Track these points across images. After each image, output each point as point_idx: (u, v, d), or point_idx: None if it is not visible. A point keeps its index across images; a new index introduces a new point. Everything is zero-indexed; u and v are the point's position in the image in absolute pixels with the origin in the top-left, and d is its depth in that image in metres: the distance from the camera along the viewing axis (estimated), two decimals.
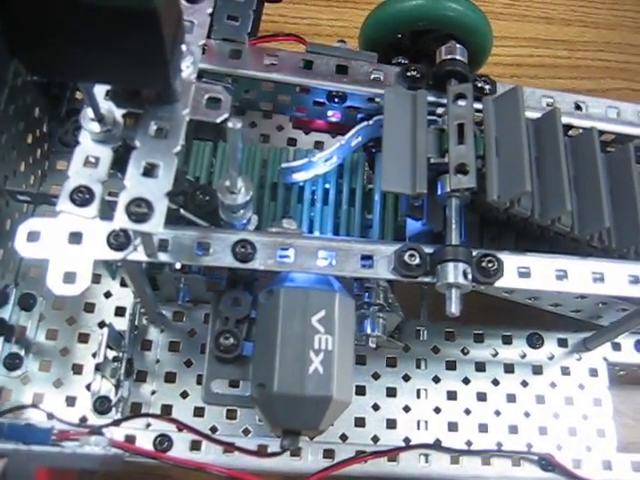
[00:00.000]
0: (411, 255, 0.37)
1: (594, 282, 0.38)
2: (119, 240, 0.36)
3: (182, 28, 0.32)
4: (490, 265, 0.37)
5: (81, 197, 0.36)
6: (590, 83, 0.67)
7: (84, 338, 0.48)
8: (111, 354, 0.46)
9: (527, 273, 0.38)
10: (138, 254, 0.36)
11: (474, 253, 0.37)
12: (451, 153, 0.37)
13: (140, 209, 0.32)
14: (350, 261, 0.37)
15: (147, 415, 0.44)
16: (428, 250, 0.37)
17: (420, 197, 0.38)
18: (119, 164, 0.37)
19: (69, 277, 0.35)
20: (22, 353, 0.47)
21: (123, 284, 0.49)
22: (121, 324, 0.48)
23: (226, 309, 0.38)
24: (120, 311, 0.49)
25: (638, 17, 0.72)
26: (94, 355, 0.47)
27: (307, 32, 0.57)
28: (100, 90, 0.36)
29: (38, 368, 0.47)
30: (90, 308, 0.49)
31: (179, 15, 0.31)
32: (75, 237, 0.36)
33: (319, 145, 0.53)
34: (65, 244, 0.36)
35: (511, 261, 0.38)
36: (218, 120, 0.35)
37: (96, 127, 0.37)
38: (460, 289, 0.36)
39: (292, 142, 0.54)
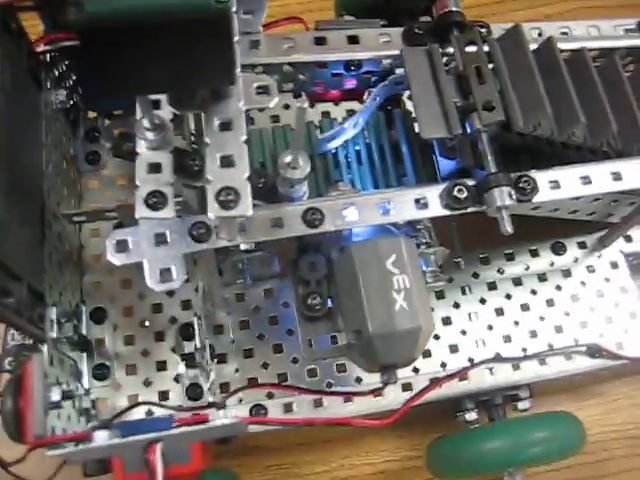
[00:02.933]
0: (459, 190, 0.41)
1: (614, 181, 0.44)
2: (200, 232, 0.40)
3: None
4: (526, 184, 0.42)
5: (155, 201, 0.39)
6: (546, 9, 0.72)
7: (160, 337, 0.52)
8: (191, 345, 0.50)
9: (557, 185, 0.43)
10: (222, 240, 0.40)
11: (511, 176, 0.42)
12: (475, 93, 0.42)
13: (229, 197, 0.36)
14: (406, 206, 0.41)
15: (258, 386, 0.48)
16: (471, 183, 0.42)
17: (456, 138, 0.42)
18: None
19: (166, 274, 0.39)
20: (107, 363, 0.50)
21: None
22: (189, 316, 0.51)
23: (305, 273, 0.42)
24: (185, 305, 0.52)
25: None
26: (173, 350, 0.51)
27: (280, 13, 0.60)
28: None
29: (125, 373, 0.50)
30: (158, 308, 0.52)
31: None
32: (160, 237, 0.39)
33: (326, 115, 0.57)
34: (153, 246, 0.39)
35: (542, 177, 0.43)
36: (271, 105, 0.38)
37: (151, 135, 0.40)
38: (508, 210, 0.41)
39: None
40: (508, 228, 0.41)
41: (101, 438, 0.37)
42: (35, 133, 0.45)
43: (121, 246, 0.39)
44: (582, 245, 0.57)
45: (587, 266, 0.57)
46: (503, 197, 0.40)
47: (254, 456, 0.55)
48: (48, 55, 0.48)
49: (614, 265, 0.57)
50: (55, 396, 0.41)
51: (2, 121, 0.39)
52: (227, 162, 0.37)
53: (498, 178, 0.41)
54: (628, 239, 0.57)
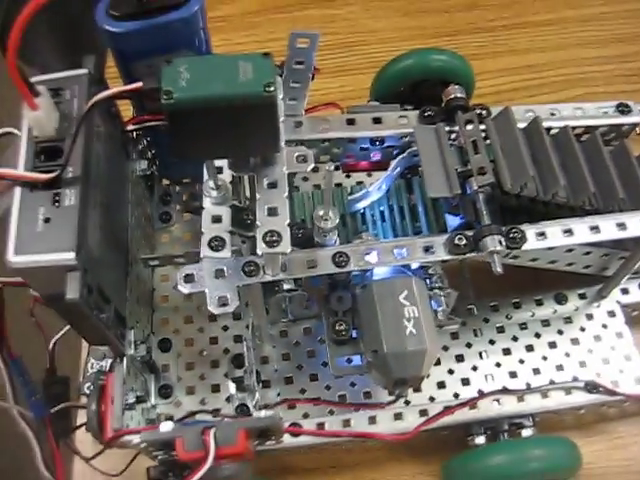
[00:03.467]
0: (459, 238, 0.51)
1: (592, 232, 0.52)
2: (250, 269, 0.50)
3: None
4: (516, 234, 0.51)
5: (216, 244, 0.50)
6: (557, 95, 0.83)
7: (215, 364, 0.61)
8: (241, 372, 0.59)
9: (543, 235, 0.52)
10: (267, 276, 0.50)
11: (503, 228, 0.51)
12: (472, 162, 0.52)
13: (273, 238, 0.46)
14: (417, 252, 0.51)
15: (295, 401, 0.57)
16: (469, 233, 0.51)
17: (456, 197, 0.52)
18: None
19: (222, 300, 0.49)
20: (171, 384, 0.60)
21: (236, 318, 0.63)
22: (240, 348, 0.61)
23: (334, 305, 0.52)
24: (237, 338, 0.62)
25: (583, 36, 0.88)
26: (226, 375, 0.61)
27: (322, 100, 0.72)
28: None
29: (185, 393, 0.60)
30: (214, 341, 0.62)
31: None
32: (219, 272, 0.50)
33: (360, 184, 0.68)
34: (213, 279, 0.50)
35: (530, 229, 0.52)
36: (308, 169, 0.49)
37: (215, 193, 0.51)
38: (499, 254, 0.50)
39: (338, 186, 0.68)
40: (498, 269, 0.49)
41: (167, 426, 0.46)
42: (124, 192, 0.57)
43: (189, 278, 0.50)
44: (582, 296, 0.65)
45: (587, 314, 0.64)
46: (495, 243, 0.50)
47: (290, 476, 0.62)
48: (135, 133, 0.60)
49: (611, 314, 0.64)
50: (131, 398, 0.51)
51: (105, 180, 0.50)
52: (272, 212, 0.47)
53: (491, 228, 0.50)
54: (625, 291, 0.65)
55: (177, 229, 0.67)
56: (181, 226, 0.67)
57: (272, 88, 0.40)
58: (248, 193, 0.60)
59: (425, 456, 0.63)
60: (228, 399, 0.59)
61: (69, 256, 0.42)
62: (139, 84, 0.43)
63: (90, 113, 0.46)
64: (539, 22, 0.88)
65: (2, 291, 0.50)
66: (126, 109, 0.58)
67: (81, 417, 0.58)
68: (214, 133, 0.43)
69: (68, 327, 0.55)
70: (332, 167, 0.45)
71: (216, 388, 0.60)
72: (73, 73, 0.48)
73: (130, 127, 0.59)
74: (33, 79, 0.44)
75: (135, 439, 0.46)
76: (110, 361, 0.54)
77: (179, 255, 0.59)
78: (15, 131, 0.47)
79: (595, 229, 0.52)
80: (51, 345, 0.56)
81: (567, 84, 0.83)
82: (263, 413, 0.47)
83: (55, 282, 0.42)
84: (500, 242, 0.50)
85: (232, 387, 0.59)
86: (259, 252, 0.46)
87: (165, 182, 0.68)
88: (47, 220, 0.42)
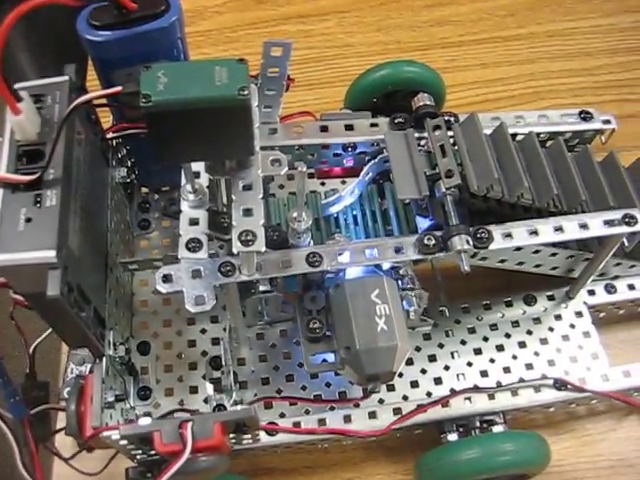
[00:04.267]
0: (428, 238, 0.53)
1: (556, 233, 0.54)
2: (227, 269, 0.51)
3: None
4: (483, 235, 0.53)
5: (193, 246, 0.51)
6: (526, 106, 0.85)
7: (193, 366, 0.62)
8: (218, 373, 0.60)
9: (509, 236, 0.54)
10: (243, 275, 0.51)
11: (470, 229, 0.53)
12: (440, 165, 0.54)
13: (248, 237, 0.48)
14: (387, 252, 0.53)
15: (265, 398, 0.58)
16: (438, 234, 0.53)
17: (425, 199, 0.54)
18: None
19: (199, 299, 0.50)
20: (150, 386, 0.61)
21: (213, 321, 0.64)
22: (217, 351, 0.62)
23: (308, 304, 0.54)
24: (215, 341, 0.63)
25: (550, 50, 0.91)
26: (203, 377, 0.62)
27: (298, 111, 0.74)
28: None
29: (164, 395, 0.61)
30: (192, 343, 0.63)
31: None
32: (196, 272, 0.51)
33: (335, 191, 0.70)
34: (191, 279, 0.51)
35: (497, 229, 0.54)
36: (282, 173, 0.51)
37: (192, 197, 0.53)
38: (466, 253, 0.52)
39: (313, 192, 0.70)
40: (466, 268, 0.51)
41: (145, 421, 0.47)
42: (103, 198, 0.58)
43: (167, 278, 0.51)
44: (551, 297, 0.67)
45: (555, 315, 0.66)
46: (462, 243, 0.52)
47: (268, 476, 0.63)
48: (114, 141, 0.62)
49: (579, 314, 0.66)
50: (110, 397, 0.52)
51: (85, 185, 0.52)
52: (247, 213, 0.49)
53: (459, 228, 0.52)
54: (591, 293, 0.67)
55: (155, 236, 0.68)
56: (159, 233, 0.68)
57: (246, 92, 0.42)
58: (225, 199, 0.61)
59: (400, 455, 0.64)
60: (206, 400, 0.61)
61: (50, 254, 0.43)
62: (119, 88, 0.45)
63: (71, 116, 0.47)
64: (508, 37, 0.91)
65: None
66: (106, 120, 0.60)
67: (61, 422, 0.58)
68: (191, 136, 0.45)
69: (48, 332, 0.57)
70: (304, 168, 0.47)
71: (194, 390, 0.61)
72: (54, 80, 0.49)
73: (110, 135, 0.61)
74: (16, 85, 0.45)
75: (114, 434, 0.47)
76: (89, 366, 0.55)
77: (158, 259, 0.61)
78: None
79: (559, 230, 0.55)
80: (31, 350, 0.57)
81: (536, 96, 0.86)
82: (239, 407, 0.49)
83: (37, 280, 0.44)
84: (467, 241, 0.52)
85: (210, 388, 0.60)
86: (235, 251, 0.47)
87: (144, 190, 0.70)
88: (29, 220, 0.44)
